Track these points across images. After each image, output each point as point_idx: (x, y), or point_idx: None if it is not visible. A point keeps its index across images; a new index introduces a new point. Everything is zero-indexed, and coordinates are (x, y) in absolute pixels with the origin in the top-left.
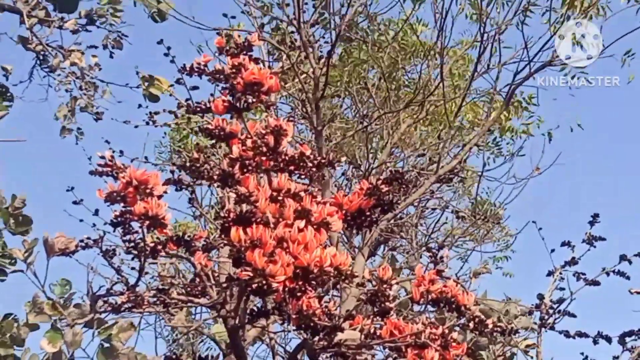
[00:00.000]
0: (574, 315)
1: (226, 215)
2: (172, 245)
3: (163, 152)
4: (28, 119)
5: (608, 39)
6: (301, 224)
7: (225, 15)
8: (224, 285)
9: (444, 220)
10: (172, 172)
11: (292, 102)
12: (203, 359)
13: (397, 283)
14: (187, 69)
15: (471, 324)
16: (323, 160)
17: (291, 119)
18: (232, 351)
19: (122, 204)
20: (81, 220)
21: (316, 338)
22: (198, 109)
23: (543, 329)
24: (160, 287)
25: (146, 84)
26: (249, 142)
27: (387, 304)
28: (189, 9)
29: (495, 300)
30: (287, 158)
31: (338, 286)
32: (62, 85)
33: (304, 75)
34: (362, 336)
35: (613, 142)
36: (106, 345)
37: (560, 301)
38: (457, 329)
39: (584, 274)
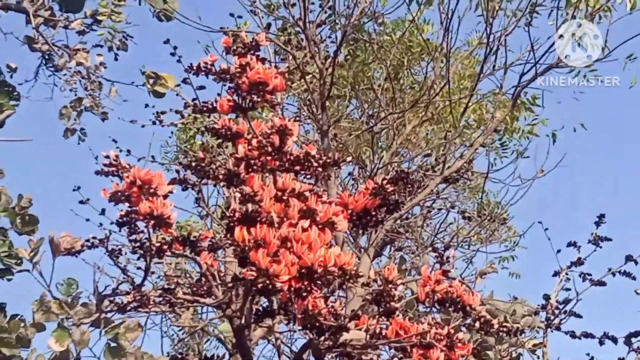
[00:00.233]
0: (580, 316)
1: (232, 215)
2: (178, 245)
3: (169, 152)
4: (33, 118)
5: (613, 40)
6: (305, 223)
7: (232, 15)
8: (230, 285)
9: (450, 220)
10: (177, 171)
11: (299, 103)
12: (209, 359)
13: (402, 284)
14: (194, 68)
15: (477, 324)
16: (328, 160)
17: (297, 119)
18: (238, 351)
19: (127, 204)
20: (87, 220)
21: (322, 338)
22: (204, 109)
23: (549, 330)
24: (166, 286)
25: (151, 81)
26: (254, 142)
27: (392, 304)
28: (195, 10)
29: (501, 300)
30: (292, 158)
31: (344, 286)
32: (68, 85)
33: (310, 75)
34: (368, 336)
35: (615, 142)
36: (113, 344)
37: (566, 301)
38: (463, 329)
39: (589, 274)
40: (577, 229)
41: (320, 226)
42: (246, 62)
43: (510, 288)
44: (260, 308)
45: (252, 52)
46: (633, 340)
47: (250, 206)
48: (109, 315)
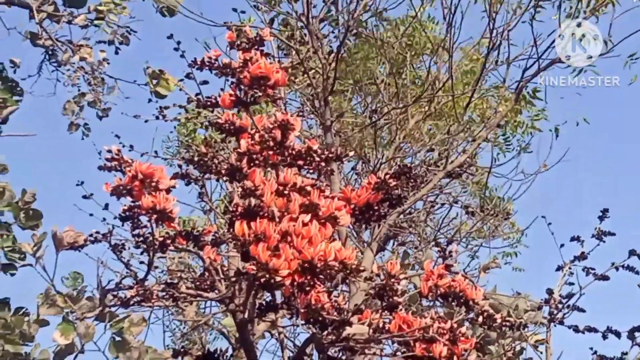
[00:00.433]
0: (583, 310)
1: (234, 209)
2: (181, 240)
3: (170, 146)
4: (37, 113)
5: (617, 35)
6: (306, 218)
7: (234, 10)
8: (233, 279)
9: (453, 215)
10: (179, 166)
11: (302, 98)
12: (212, 353)
13: (405, 278)
14: (198, 63)
15: (480, 319)
16: (331, 155)
17: (300, 114)
18: (241, 345)
19: (129, 198)
20: (91, 215)
21: (325, 332)
22: (208, 104)
23: (552, 324)
24: (170, 281)
25: (154, 81)
26: (256, 137)
27: (395, 298)
28: (197, 5)
29: (505, 295)
30: (294, 152)
31: (347, 281)
32: (71, 81)
33: (313, 70)
34: (371, 330)
35: (616, 141)
36: (118, 338)
37: (570, 296)
38: (466, 323)
39: (593, 268)
40: (581, 224)
41: (322, 221)
42: (250, 57)
43: (513, 283)
44: (264, 302)
45: (256, 47)
46: (636, 334)
47: (253, 201)
48: (112, 309)
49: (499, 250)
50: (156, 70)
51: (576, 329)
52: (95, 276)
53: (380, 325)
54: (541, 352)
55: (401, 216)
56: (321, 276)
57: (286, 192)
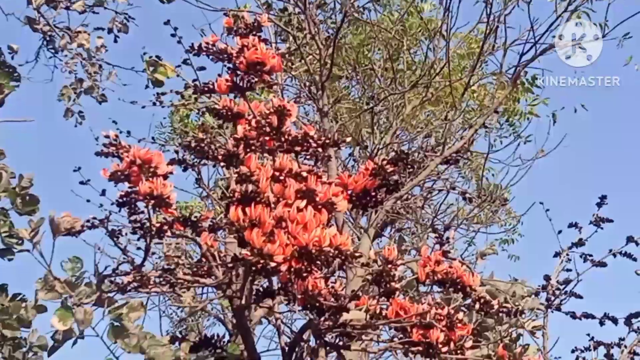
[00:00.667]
0: (580, 297)
1: (231, 195)
2: (178, 226)
3: (163, 132)
4: (34, 99)
5: (614, 19)
6: (301, 203)
7: None
8: (230, 265)
9: (450, 201)
10: (176, 152)
11: (299, 84)
12: (209, 339)
13: (403, 264)
14: (195, 48)
15: (477, 305)
16: (327, 141)
17: (297, 100)
18: (238, 331)
19: (126, 184)
20: (88, 201)
21: (322, 318)
22: (205, 89)
23: (549, 310)
24: (167, 267)
25: (151, 68)
26: (253, 122)
27: (392, 284)
28: None
29: (502, 281)
30: (290, 138)
31: (344, 267)
32: (68, 67)
33: (310, 56)
34: (368, 316)
35: (616, 132)
36: (116, 324)
37: (567, 282)
38: (463, 309)
39: (590, 255)
40: (579, 212)
41: (319, 207)
42: (248, 43)
43: (510, 269)
44: (261, 288)
45: (254, 32)
46: (633, 320)
47: (250, 186)
48: (109, 295)
49: (496, 237)
50: (154, 57)
51: (573, 315)
52: (92, 262)
53: (378, 311)
54: (538, 338)
55: (398, 202)
56: (317, 262)
57: (282, 177)
